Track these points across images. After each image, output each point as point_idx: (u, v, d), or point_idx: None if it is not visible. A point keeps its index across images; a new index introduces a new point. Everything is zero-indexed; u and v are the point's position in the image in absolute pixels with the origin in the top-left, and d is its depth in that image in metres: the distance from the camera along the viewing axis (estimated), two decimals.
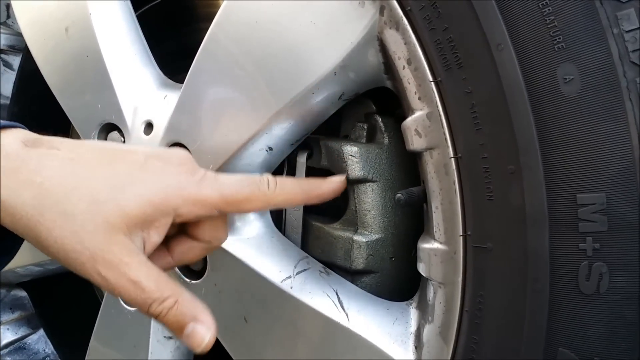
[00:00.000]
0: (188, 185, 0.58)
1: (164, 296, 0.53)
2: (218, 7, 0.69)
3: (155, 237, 0.56)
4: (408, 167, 0.70)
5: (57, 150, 0.55)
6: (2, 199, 0.51)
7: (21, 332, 1.18)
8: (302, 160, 0.74)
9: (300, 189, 0.64)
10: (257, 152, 0.70)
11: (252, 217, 0.75)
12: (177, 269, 0.80)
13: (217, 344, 0.77)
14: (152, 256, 0.58)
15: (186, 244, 0.64)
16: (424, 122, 0.57)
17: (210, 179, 0.59)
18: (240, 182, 0.61)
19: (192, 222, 0.62)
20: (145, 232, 0.55)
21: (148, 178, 0.56)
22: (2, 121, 0.55)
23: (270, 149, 0.70)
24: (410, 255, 0.71)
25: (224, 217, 0.64)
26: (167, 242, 0.63)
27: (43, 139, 0.56)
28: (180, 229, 0.64)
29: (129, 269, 0.52)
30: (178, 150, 0.62)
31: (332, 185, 0.65)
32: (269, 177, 0.62)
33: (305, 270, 0.70)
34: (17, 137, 0.54)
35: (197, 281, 0.78)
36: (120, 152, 0.58)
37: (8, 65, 1.11)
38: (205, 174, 0.60)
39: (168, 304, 0.53)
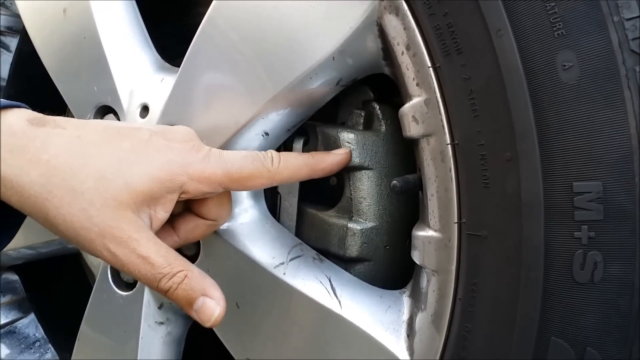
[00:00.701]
0: (193, 161, 0.58)
1: (173, 271, 0.53)
2: None
3: (162, 213, 0.57)
4: (404, 155, 0.70)
5: (62, 128, 0.55)
6: (10, 178, 0.51)
7: (12, 315, 1.18)
8: (298, 146, 0.73)
9: (305, 163, 0.64)
10: (253, 137, 0.70)
11: (246, 203, 0.75)
12: None
13: (211, 336, 0.77)
14: (159, 235, 0.58)
15: (191, 222, 0.64)
16: (421, 109, 0.56)
17: (215, 155, 0.60)
18: (245, 158, 0.61)
19: (197, 200, 0.62)
20: (152, 209, 0.56)
21: (153, 155, 0.57)
22: (5, 100, 0.54)
23: (267, 134, 0.70)
24: (404, 244, 0.71)
25: (229, 194, 0.65)
26: (172, 221, 0.64)
27: (48, 118, 0.56)
28: (186, 207, 0.64)
29: (138, 244, 0.53)
30: (182, 127, 0.62)
31: (336, 157, 0.66)
32: (272, 152, 0.62)
33: (298, 256, 0.70)
34: (22, 116, 0.54)
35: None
36: (125, 130, 0.58)
37: (5, 46, 1.10)
38: (210, 151, 0.60)
39: (177, 279, 0.53)
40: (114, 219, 0.52)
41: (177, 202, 0.58)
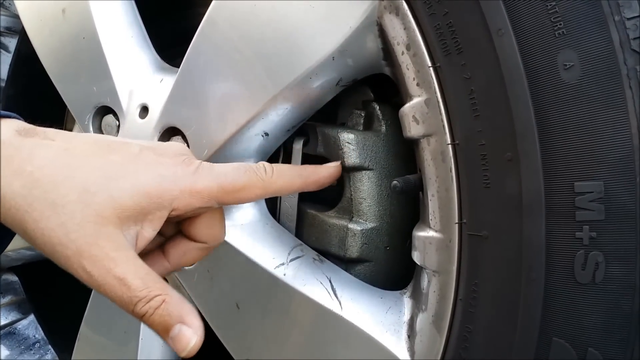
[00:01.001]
0: (184, 175, 0.56)
1: (150, 295, 0.50)
2: None
3: (150, 231, 0.54)
4: (405, 155, 0.69)
5: (51, 140, 0.53)
6: None
7: (11, 317, 1.18)
8: (298, 147, 0.73)
9: (298, 174, 0.63)
10: (253, 137, 0.70)
11: (246, 204, 0.75)
12: None
13: (209, 335, 0.77)
14: (148, 260, 0.56)
15: (183, 246, 0.62)
16: (422, 109, 0.56)
17: (206, 169, 0.58)
18: (237, 169, 0.59)
19: (188, 221, 0.61)
20: (139, 226, 0.53)
21: (142, 169, 0.54)
22: None
23: (266, 134, 0.70)
24: (404, 244, 0.71)
25: (221, 213, 0.63)
26: (163, 245, 0.62)
27: (38, 129, 0.54)
28: (177, 230, 0.62)
29: (115, 264, 0.50)
30: (175, 143, 0.61)
31: (329, 170, 0.65)
32: (264, 163, 0.61)
33: (298, 257, 0.70)
34: (11, 126, 0.52)
35: (190, 267, 0.77)
36: (115, 144, 0.56)
37: (4, 47, 1.10)
38: (201, 164, 0.58)
39: (155, 304, 0.50)
40: (93, 236, 0.49)
41: (168, 223, 0.56)
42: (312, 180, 0.64)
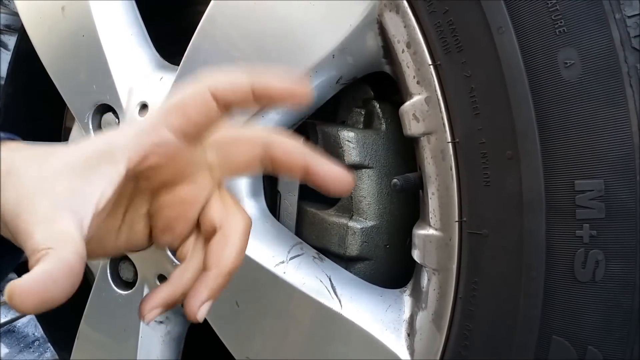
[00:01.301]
0: (129, 128, 0.50)
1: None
2: None
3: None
4: (405, 153, 0.69)
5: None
6: None
7: (11, 314, 1.18)
8: None
9: (243, 74, 0.50)
10: None
11: (246, 202, 0.74)
12: (169, 253, 0.79)
13: (208, 330, 0.77)
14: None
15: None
16: (422, 107, 0.56)
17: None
18: (180, 92, 0.50)
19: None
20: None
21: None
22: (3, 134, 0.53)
23: None
24: (404, 243, 0.71)
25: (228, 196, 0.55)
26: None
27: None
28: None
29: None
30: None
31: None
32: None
33: (298, 255, 0.70)
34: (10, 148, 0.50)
35: None
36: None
37: (4, 45, 1.10)
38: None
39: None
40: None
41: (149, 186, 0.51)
42: (263, 87, 0.48)
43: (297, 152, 0.51)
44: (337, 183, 0.51)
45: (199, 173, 0.53)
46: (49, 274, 0.40)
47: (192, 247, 0.55)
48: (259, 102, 0.48)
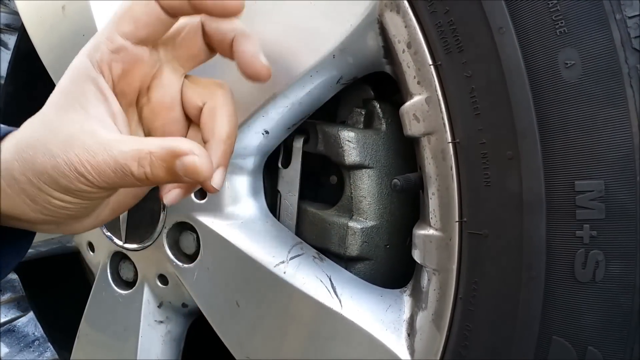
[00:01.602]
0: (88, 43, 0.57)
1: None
2: None
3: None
4: (405, 153, 0.69)
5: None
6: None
7: (11, 314, 1.18)
8: (298, 145, 0.73)
9: None
10: (254, 135, 0.70)
11: (246, 201, 0.74)
12: (169, 253, 0.79)
13: (209, 331, 0.77)
14: None
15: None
16: (422, 107, 0.56)
17: None
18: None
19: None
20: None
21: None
22: (5, 127, 0.53)
23: (267, 132, 0.69)
24: (405, 243, 0.71)
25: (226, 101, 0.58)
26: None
27: None
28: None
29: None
30: None
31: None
32: None
33: (299, 255, 0.70)
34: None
35: (190, 265, 0.77)
36: None
37: (4, 44, 1.10)
38: None
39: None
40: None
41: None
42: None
43: (226, 25, 0.55)
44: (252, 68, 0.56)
45: (164, 74, 0.57)
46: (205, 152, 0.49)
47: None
48: (198, 13, 0.52)
